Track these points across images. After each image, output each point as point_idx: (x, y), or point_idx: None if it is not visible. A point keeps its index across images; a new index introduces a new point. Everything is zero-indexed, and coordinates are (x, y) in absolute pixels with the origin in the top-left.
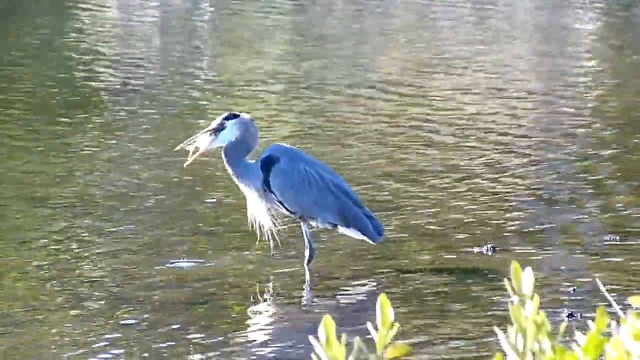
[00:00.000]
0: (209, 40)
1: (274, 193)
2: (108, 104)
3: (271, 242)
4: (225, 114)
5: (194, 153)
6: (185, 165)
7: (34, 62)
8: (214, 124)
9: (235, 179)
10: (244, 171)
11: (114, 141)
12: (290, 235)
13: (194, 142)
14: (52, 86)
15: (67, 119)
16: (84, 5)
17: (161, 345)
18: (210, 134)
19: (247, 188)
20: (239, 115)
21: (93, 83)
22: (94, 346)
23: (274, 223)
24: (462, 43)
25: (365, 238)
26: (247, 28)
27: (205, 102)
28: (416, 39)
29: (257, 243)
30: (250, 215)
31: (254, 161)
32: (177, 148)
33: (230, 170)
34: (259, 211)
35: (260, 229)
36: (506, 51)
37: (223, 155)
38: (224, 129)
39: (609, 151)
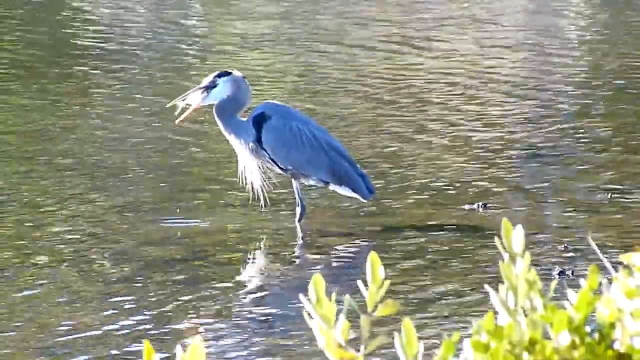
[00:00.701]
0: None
1: (265, 150)
2: (96, 62)
3: (261, 199)
4: (217, 72)
5: (185, 110)
6: (176, 122)
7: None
8: (206, 82)
9: (226, 136)
10: (235, 128)
11: (103, 100)
12: (281, 192)
13: (186, 99)
14: (39, 45)
15: (54, 78)
16: None
17: (151, 300)
18: (202, 92)
19: (238, 145)
20: (230, 73)
21: (80, 42)
22: (87, 302)
23: (263, 180)
24: (456, 2)
25: (356, 196)
26: None
27: (195, 61)
28: (409, 4)
29: (249, 201)
30: (240, 173)
31: (245, 118)
32: (169, 105)
33: (221, 127)
34: (250, 168)
35: (251, 186)
36: (500, 7)
37: (215, 113)
38: (215, 86)
39: (602, 109)
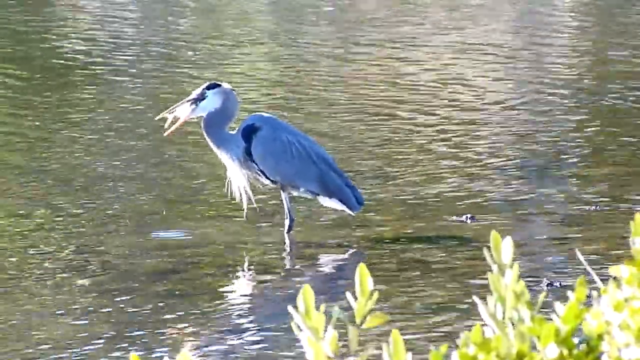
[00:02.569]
0: (191, 4)
1: (255, 162)
2: (85, 71)
3: (245, 210)
4: (207, 84)
5: (174, 123)
6: (165, 134)
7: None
8: (195, 94)
9: (215, 149)
10: (224, 141)
11: (92, 110)
12: (270, 204)
13: (174, 111)
14: (25, 52)
15: (41, 88)
16: None
17: (139, 312)
18: (191, 104)
19: (227, 158)
20: (220, 85)
21: (70, 49)
22: (74, 314)
23: (250, 193)
24: (444, 8)
25: (345, 208)
26: None
27: (187, 71)
28: (398, 12)
29: (242, 212)
30: (229, 185)
31: (234, 131)
32: (158, 117)
33: (209, 141)
34: (239, 181)
35: (239, 198)
36: (489, 15)
37: (203, 126)
38: (204, 98)
39: (589, 122)
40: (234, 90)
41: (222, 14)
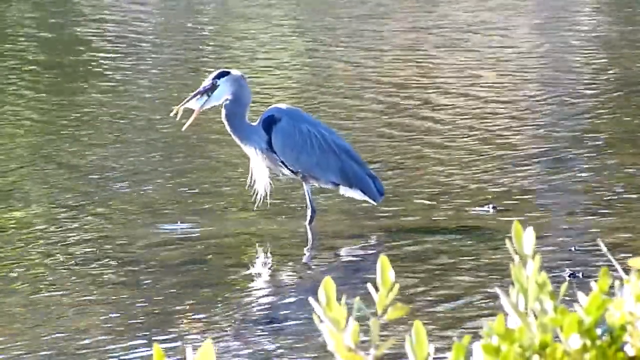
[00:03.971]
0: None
1: (276, 153)
2: (106, 62)
3: (259, 200)
4: (215, 72)
5: (186, 116)
6: (183, 128)
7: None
8: (205, 84)
9: (238, 141)
10: (247, 133)
11: (110, 102)
12: (290, 195)
13: (188, 104)
14: (49, 46)
15: (61, 79)
16: None
17: (161, 304)
18: (202, 95)
19: (251, 150)
20: (229, 72)
21: (91, 43)
22: (92, 306)
23: (270, 184)
24: (463, 9)
25: (366, 198)
26: None
27: (206, 61)
28: (420, 10)
29: (261, 204)
30: (251, 175)
31: (255, 123)
32: (172, 113)
33: (232, 133)
34: (260, 171)
35: (262, 189)
36: (510, 13)
37: (225, 121)
38: (216, 87)
39: (611, 110)
40: (243, 75)
41: (247, 9)
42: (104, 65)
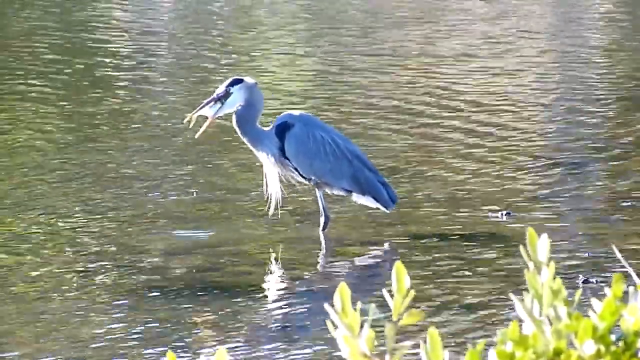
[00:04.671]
0: (225, 10)
1: (289, 159)
2: (119, 69)
3: (272, 207)
4: (229, 80)
5: (200, 123)
6: (196, 136)
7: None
8: (219, 92)
9: (251, 147)
10: (259, 138)
11: (122, 110)
12: (303, 202)
13: (201, 111)
14: (64, 50)
15: (74, 88)
16: None
17: (177, 311)
18: (216, 102)
19: (263, 155)
20: (243, 80)
21: (107, 47)
22: (108, 313)
23: (282, 190)
24: (475, 15)
25: (379, 205)
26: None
27: (220, 68)
28: (432, 17)
29: (275, 211)
30: (265, 181)
31: (268, 128)
32: (185, 120)
33: (243, 138)
34: (274, 177)
35: (274, 195)
36: (524, 17)
37: (236, 126)
38: (230, 95)
39: (624, 116)
40: (256, 83)
41: (259, 20)
42: (118, 73)
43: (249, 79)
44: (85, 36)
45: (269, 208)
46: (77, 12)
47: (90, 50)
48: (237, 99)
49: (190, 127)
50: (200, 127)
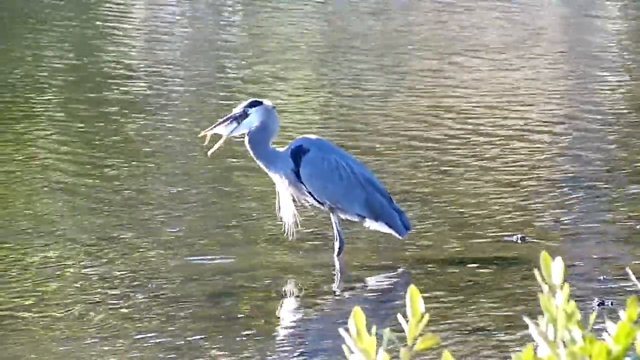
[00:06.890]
0: (239, 19)
1: (303, 183)
2: (131, 88)
3: (288, 231)
4: (248, 101)
5: (214, 141)
6: (209, 153)
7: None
8: (236, 111)
9: (265, 168)
10: (272, 159)
11: (137, 132)
12: (317, 227)
13: (216, 129)
14: (72, 68)
15: (89, 104)
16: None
17: (192, 337)
18: (232, 121)
19: (277, 176)
20: (262, 102)
21: (120, 59)
22: (121, 339)
23: (296, 214)
24: (482, 28)
25: (392, 231)
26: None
27: (234, 86)
28: (437, 27)
29: (290, 235)
30: (278, 203)
31: (282, 149)
32: (200, 135)
33: (256, 159)
34: (287, 199)
35: (287, 218)
36: (537, 30)
37: (249, 148)
38: (247, 116)
39: (638, 138)
40: (274, 107)
41: (270, 37)
42: (132, 95)
43: (267, 102)
44: (96, 57)
45: (286, 232)
46: (86, 33)
47: (101, 73)
48: (253, 121)
49: (205, 143)
50: (214, 144)
